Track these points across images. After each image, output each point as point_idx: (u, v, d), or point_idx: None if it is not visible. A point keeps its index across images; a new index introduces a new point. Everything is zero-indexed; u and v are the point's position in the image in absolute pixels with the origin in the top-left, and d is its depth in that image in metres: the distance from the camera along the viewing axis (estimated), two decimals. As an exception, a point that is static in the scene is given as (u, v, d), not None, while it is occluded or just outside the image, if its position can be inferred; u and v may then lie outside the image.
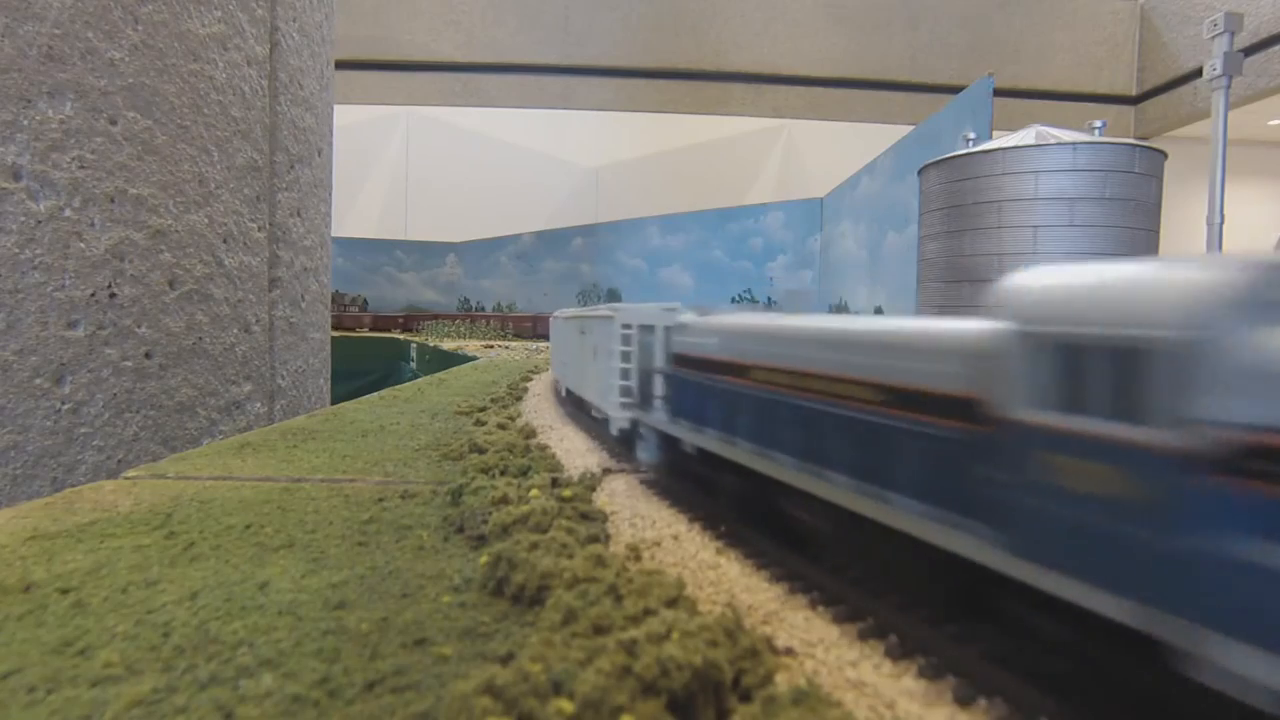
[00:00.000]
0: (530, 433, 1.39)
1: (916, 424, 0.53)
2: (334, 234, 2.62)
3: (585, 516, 0.79)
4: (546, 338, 6.11)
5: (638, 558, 0.71)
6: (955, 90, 4.38)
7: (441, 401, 1.94)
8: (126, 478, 1.03)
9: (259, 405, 1.97)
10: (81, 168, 1.45)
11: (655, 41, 8.33)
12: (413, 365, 6.07)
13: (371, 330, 8.14)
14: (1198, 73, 5.44)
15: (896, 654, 0.51)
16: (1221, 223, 3.72)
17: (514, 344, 6.22)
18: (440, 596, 0.60)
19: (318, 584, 0.63)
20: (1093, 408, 0.39)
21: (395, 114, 8.63)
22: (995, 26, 8.33)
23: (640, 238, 7.76)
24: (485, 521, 0.75)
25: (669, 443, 0.97)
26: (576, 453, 1.24)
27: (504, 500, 0.81)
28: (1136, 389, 0.37)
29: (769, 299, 6.77)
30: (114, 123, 1.50)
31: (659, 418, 1.01)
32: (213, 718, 0.42)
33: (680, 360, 0.98)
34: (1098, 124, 2.61)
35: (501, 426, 1.45)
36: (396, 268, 9.00)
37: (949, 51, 8.29)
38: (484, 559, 0.64)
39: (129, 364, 1.54)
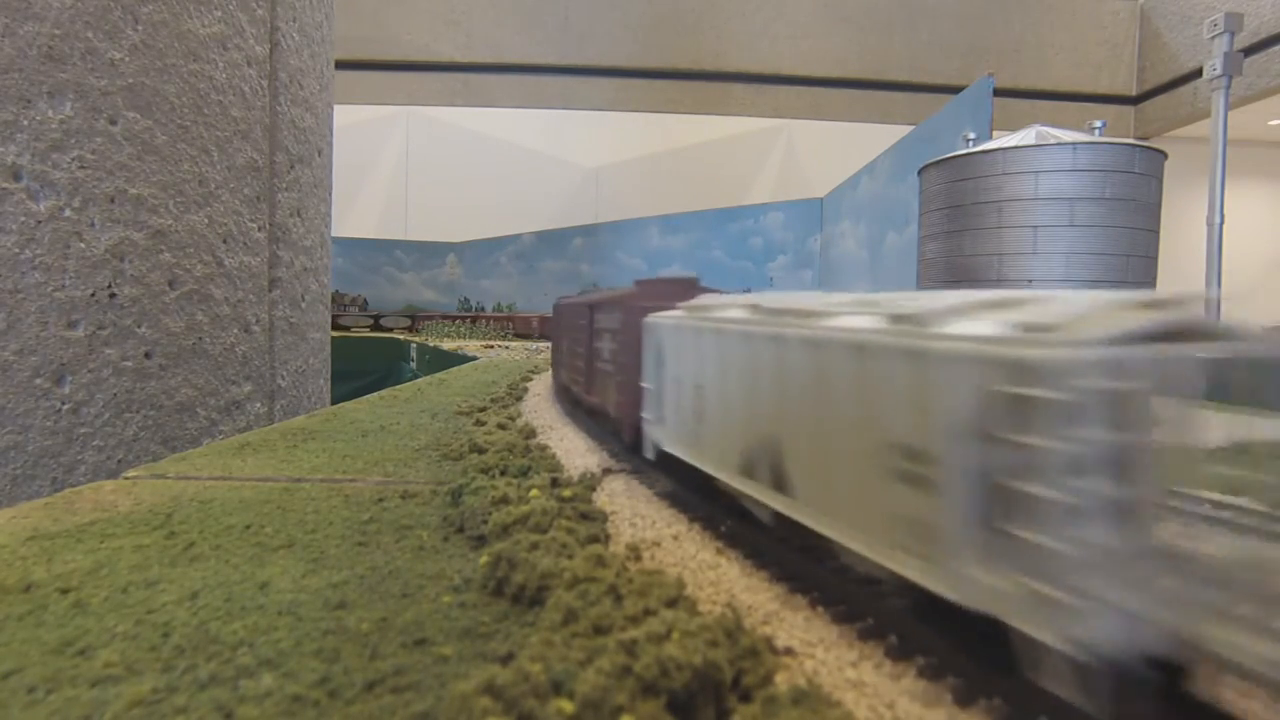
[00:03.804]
0: (530, 433, 1.38)
1: None
2: (334, 234, 2.62)
3: (585, 516, 0.79)
4: (547, 338, 6.10)
5: (638, 558, 0.71)
6: (955, 90, 4.38)
7: (441, 401, 1.94)
8: (126, 478, 1.02)
9: (259, 405, 1.97)
10: (81, 168, 1.45)
11: (655, 41, 8.33)
12: (413, 365, 6.08)
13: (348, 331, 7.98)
14: (1198, 73, 5.44)
15: (896, 654, 0.51)
16: (1221, 223, 3.72)
17: (514, 344, 6.21)
18: (440, 596, 0.60)
19: (318, 584, 0.63)
20: None
21: (395, 114, 8.63)
22: (995, 26, 8.34)
23: (640, 238, 7.76)
24: (485, 521, 0.75)
25: None
26: (576, 453, 1.24)
27: (504, 500, 0.80)
28: None
29: None
30: (114, 123, 1.50)
31: None
32: (213, 718, 0.42)
33: None
34: (1098, 124, 2.62)
35: (501, 426, 1.45)
36: (396, 268, 8.99)
37: (949, 51, 8.29)
38: (484, 559, 0.64)
39: (129, 364, 1.54)
